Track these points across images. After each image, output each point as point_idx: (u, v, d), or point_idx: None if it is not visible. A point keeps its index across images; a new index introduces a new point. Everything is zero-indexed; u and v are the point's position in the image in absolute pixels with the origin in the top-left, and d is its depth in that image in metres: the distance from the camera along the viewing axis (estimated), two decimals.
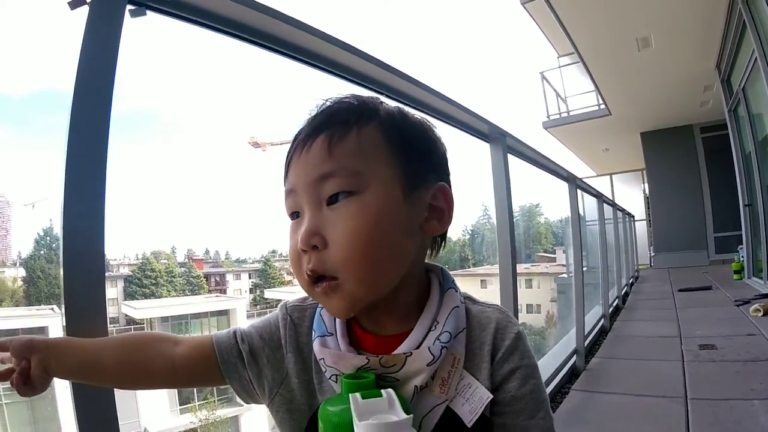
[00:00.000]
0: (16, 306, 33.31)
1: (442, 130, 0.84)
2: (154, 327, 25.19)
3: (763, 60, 5.44)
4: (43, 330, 18.23)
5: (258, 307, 43.49)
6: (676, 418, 2.65)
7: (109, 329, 0.91)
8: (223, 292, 48.63)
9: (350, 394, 0.63)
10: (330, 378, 0.72)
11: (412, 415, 0.60)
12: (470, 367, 0.74)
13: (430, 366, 0.69)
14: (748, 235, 7.84)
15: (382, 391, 0.64)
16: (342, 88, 0.84)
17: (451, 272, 0.83)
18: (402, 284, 0.74)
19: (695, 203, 11.57)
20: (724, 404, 2.75)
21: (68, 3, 0.91)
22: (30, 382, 0.74)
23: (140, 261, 50.42)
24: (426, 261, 0.83)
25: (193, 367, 0.81)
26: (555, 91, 11.55)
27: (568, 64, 11.03)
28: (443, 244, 0.84)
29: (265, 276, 53.86)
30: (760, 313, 4.77)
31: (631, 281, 9.09)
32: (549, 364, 3.49)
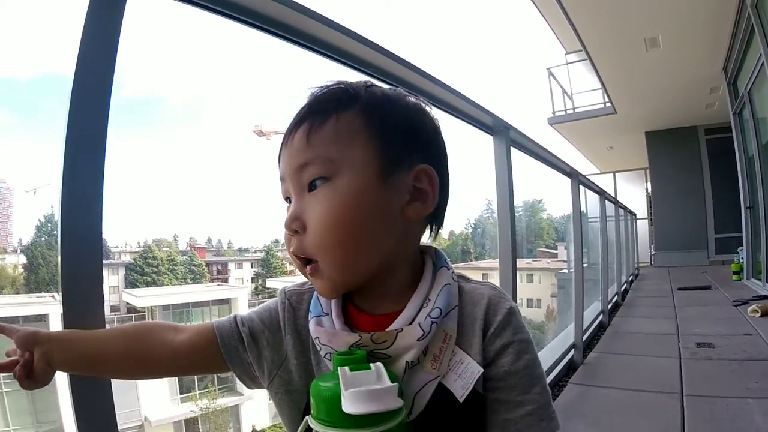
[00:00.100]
0: (17, 293, 33.33)
1: (446, 121, 0.84)
2: (155, 315, 25.20)
3: None
4: (43, 318, 18.28)
5: (260, 296, 43.45)
6: (672, 414, 2.67)
7: (109, 317, 0.91)
8: (225, 281, 48.58)
9: (339, 368, 0.64)
10: (325, 357, 0.74)
11: (397, 384, 0.62)
12: (462, 343, 0.74)
13: (420, 341, 0.70)
14: (748, 237, 7.86)
15: (371, 364, 0.65)
16: (346, 76, 0.85)
17: (452, 265, 0.83)
18: (393, 266, 0.76)
19: (697, 204, 11.58)
20: (720, 401, 2.78)
21: None
22: (33, 375, 0.76)
23: (142, 249, 50.36)
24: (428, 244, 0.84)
25: (195, 354, 0.84)
26: (561, 87, 11.51)
27: (576, 61, 11.00)
28: (438, 226, 0.84)
29: (267, 265, 53.81)
30: (758, 314, 4.79)
31: (631, 278, 9.10)
32: (547, 358, 3.51)
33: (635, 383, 3.26)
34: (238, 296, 26.88)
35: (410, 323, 0.72)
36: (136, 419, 21.48)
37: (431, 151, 0.79)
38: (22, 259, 38.16)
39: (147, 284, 41.82)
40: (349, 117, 0.73)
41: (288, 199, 0.77)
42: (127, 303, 32.15)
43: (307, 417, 0.65)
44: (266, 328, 0.83)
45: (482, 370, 0.72)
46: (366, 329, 0.74)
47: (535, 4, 9.96)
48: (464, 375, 0.71)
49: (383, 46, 1.58)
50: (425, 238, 0.84)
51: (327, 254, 0.72)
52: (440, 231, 0.85)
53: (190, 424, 23.40)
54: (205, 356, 0.83)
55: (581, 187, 4.74)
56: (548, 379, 3.28)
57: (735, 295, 6.25)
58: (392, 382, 0.64)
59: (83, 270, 0.88)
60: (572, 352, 3.92)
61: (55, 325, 17.66)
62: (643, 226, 13.92)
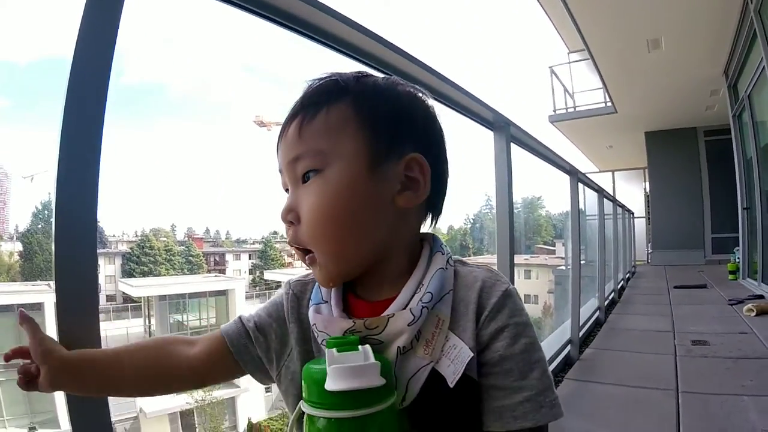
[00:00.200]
0: (12, 281, 33.24)
1: (445, 115, 0.84)
2: (152, 306, 25.16)
3: None
4: (38, 306, 18.23)
5: (257, 288, 43.48)
6: (667, 410, 2.69)
7: (105, 306, 0.91)
8: (223, 272, 48.53)
9: (327, 349, 0.65)
10: (322, 343, 0.75)
11: (379, 363, 0.62)
12: (456, 328, 0.73)
13: (410, 326, 0.70)
14: (745, 238, 7.92)
15: (360, 346, 0.66)
16: (345, 66, 0.86)
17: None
18: (389, 254, 0.77)
19: (695, 204, 11.63)
20: (715, 399, 2.80)
21: None
22: (33, 387, 0.78)
23: (139, 238, 50.23)
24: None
25: (210, 362, 0.85)
26: (563, 86, 11.54)
27: (578, 61, 11.04)
28: (436, 214, 0.85)
29: (265, 257, 53.75)
30: (753, 313, 4.83)
31: (627, 276, 9.14)
32: (544, 353, 3.53)
33: (631, 379, 3.29)
34: (236, 287, 26.80)
35: (404, 309, 0.72)
36: (131, 411, 21.46)
37: (424, 140, 0.79)
38: (19, 247, 38.02)
39: (144, 274, 41.73)
40: (339, 109, 0.75)
41: (287, 190, 0.79)
42: (123, 293, 32.08)
43: (300, 401, 0.66)
44: (274, 321, 0.85)
45: (472, 354, 0.70)
46: (363, 316, 0.74)
47: (540, 3, 9.97)
48: (457, 360, 0.70)
49: (381, 35, 1.58)
50: (425, 227, 0.85)
51: (320, 244, 0.74)
52: (438, 219, 0.86)
53: (186, 416, 23.38)
54: (219, 363, 0.85)
55: (580, 185, 4.77)
56: None
57: (731, 294, 6.29)
58: (387, 367, 0.66)
59: (77, 258, 0.88)
60: (569, 347, 3.95)
61: (50, 314, 17.65)
62: (640, 225, 13.95)
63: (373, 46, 1.60)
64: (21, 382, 0.78)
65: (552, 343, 3.90)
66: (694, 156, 11.77)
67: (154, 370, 0.85)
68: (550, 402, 0.71)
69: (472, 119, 2.41)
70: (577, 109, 11.53)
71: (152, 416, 21.97)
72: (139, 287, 27.27)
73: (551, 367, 3.48)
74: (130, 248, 47.68)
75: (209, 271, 46.59)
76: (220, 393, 23.89)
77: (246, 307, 26.55)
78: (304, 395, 0.66)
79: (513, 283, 0.78)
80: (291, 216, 0.75)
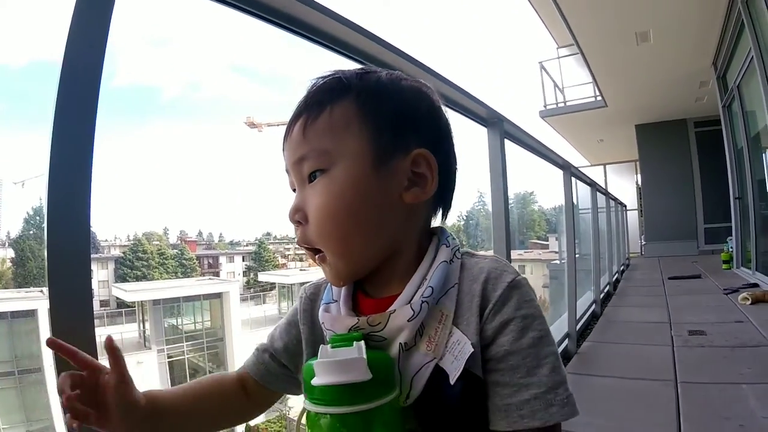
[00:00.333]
0: (5, 288, 33.04)
1: None
2: (146, 310, 25.03)
3: (759, 59, 5.52)
4: (32, 313, 18.11)
5: (252, 290, 43.43)
6: (667, 401, 2.70)
7: (99, 312, 0.89)
8: (217, 274, 48.50)
9: (321, 345, 0.66)
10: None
11: (364, 358, 0.62)
12: (460, 323, 0.71)
13: (410, 322, 0.69)
14: (737, 227, 7.97)
15: (354, 342, 0.65)
16: (339, 64, 0.86)
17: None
18: (398, 251, 0.76)
19: (686, 195, 11.69)
20: (714, 387, 2.82)
21: None
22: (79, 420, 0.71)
23: (132, 242, 50.24)
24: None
25: (252, 396, 0.90)
26: (553, 81, 11.58)
27: (567, 56, 11.06)
28: (446, 208, 0.84)
29: (259, 259, 53.82)
30: (749, 302, 4.85)
31: (622, 269, 9.18)
32: None
33: (629, 371, 3.30)
34: (230, 290, 26.66)
35: (406, 305, 0.71)
36: None
37: (429, 135, 0.78)
38: (11, 253, 37.82)
39: (137, 278, 41.67)
40: (342, 107, 0.74)
41: (295, 190, 0.78)
42: (117, 297, 31.90)
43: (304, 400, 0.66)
44: (293, 327, 0.87)
45: (472, 350, 0.68)
46: (369, 313, 0.74)
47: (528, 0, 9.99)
48: (460, 356, 0.68)
49: (374, 32, 1.57)
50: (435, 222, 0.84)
51: (328, 244, 0.73)
52: (448, 213, 0.84)
53: None
54: (261, 394, 0.90)
55: (573, 179, 4.78)
56: None
57: (725, 283, 6.32)
58: (385, 362, 0.66)
59: (70, 264, 0.87)
60: (566, 341, 3.95)
61: (43, 321, 17.54)
62: (633, 217, 14.03)
63: (366, 43, 1.60)
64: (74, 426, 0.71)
65: None
66: (684, 147, 11.83)
67: (212, 413, 0.87)
68: (561, 400, 0.66)
69: (466, 116, 2.42)
70: (568, 103, 11.59)
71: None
72: (133, 292, 27.11)
73: None
74: (123, 253, 47.65)
75: (203, 274, 46.53)
76: None
77: (240, 310, 26.53)
78: (305, 393, 0.66)
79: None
80: (298, 216, 0.74)
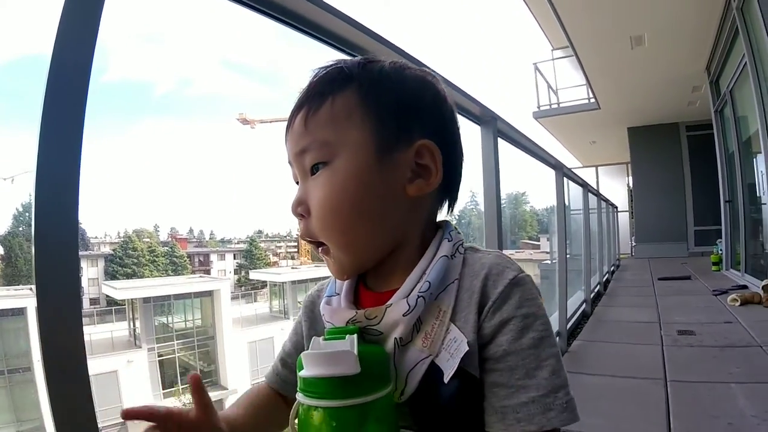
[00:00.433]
0: None
1: None
2: (136, 308, 24.91)
3: (752, 64, 5.56)
4: (21, 311, 18.00)
5: (243, 288, 43.35)
6: (656, 399, 2.72)
7: (89, 310, 0.88)
8: (207, 272, 48.42)
9: (314, 337, 0.65)
10: None
11: (354, 351, 0.60)
12: (458, 320, 0.68)
13: (406, 317, 0.67)
14: (727, 230, 8.03)
15: (347, 335, 0.64)
16: (327, 55, 0.84)
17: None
18: (402, 244, 0.75)
19: (677, 197, 11.76)
20: (703, 387, 2.84)
21: None
22: None
23: (122, 239, 50.02)
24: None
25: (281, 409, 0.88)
26: (547, 82, 11.63)
27: (561, 57, 11.14)
28: (452, 201, 0.82)
29: (250, 257, 53.71)
30: (738, 303, 4.90)
31: (612, 269, 9.22)
32: None
33: (619, 370, 3.31)
34: (221, 288, 26.56)
35: (404, 299, 0.69)
36: (117, 416, 21.27)
37: (434, 125, 0.76)
38: (0, 250, 37.53)
39: (127, 276, 41.46)
40: (344, 98, 0.72)
41: (298, 182, 0.77)
42: (107, 295, 31.74)
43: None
44: (298, 326, 0.88)
45: (468, 348, 0.65)
46: (369, 306, 0.72)
47: (524, 1, 10.01)
48: (456, 355, 0.66)
49: (369, 27, 1.57)
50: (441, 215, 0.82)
51: (331, 237, 0.72)
52: (454, 206, 0.83)
53: None
54: (282, 405, 0.88)
55: (565, 180, 4.80)
56: None
57: (715, 284, 6.38)
58: (380, 357, 0.65)
59: (58, 261, 0.85)
60: (557, 340, 3.97)
61: (32, 319, 17.40)
62: (624, 219, 14.11)
63: (361, 38, 1.59)
64: None
65: None
66: (676, 151, 11.90)
67: (269, 426, 0.88)
68: (560, 404, 0.63)
69: (459, 113, 2.40)
70: (561, 105, 11.63)
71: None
72: (123, 289, 26.94)
73: None
74: (113, 250, 47.45)
75: (194, 272, 46.41)
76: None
77: (231, 308, 26.44)
78: (299, 384, 0.65)
79: None
80: (301, 209, 0.74)
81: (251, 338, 26.33)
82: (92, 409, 0.88)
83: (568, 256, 4.83)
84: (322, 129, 0.71)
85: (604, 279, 7.62)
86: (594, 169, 16.69)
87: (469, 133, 2.57)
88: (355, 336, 0.63)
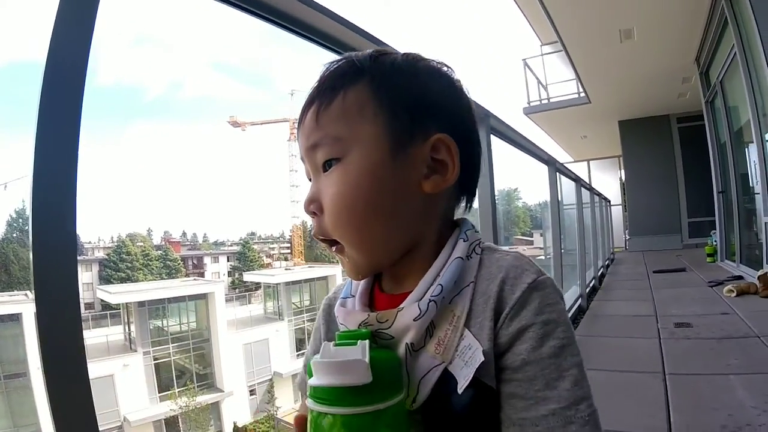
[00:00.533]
0: None
1: None
2: (131, 312, 24.89)
3: (741, 55, 5.59)
4: (16, 317, 17.96)
5: (237, 290, 43.33)
6: (655, 393, 2.71)
7: (83, 315, 0.87)
8: (201, 275, 48.39)
9: (324, 343, 0.61)
10: None
11: (366, 359, 0.57)
12: (473, 326, 0.65)
13: (416, 321, 0.64)
14: (721, 220, 8.07)
15: (358, 341, 0.60)
16: (322, 59, 0.82)
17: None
18: (419, 243, 0.72)
19: (670, 189, 11.81)
20: (702, 379, 2.84)
21: None
22: None
23: (115, 244, 49.97)
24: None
25: None
26: (537, 78, 11.64)
27: (551, 53, 11.15)
28: (470, 197, 0.79)
29: (243, 259, 53.70)
30: (734, 294, 4.91)
31: (607, 263, 9.24)
32: None
33: (617, 364, 3.31)
34: (215, 290, 26.57)
35: (416, 303, 0.66)
36: (115, 420, 21.27)
37: (450, 119, 0.72)
38: None
39: (122, 280, 41.37)
40: (355, 92, 0.70)
41: (311, 179, 0.74)
42: (102, 300, 31.68)
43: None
44: (318, 331, 0.85)
45: (483, 358, 0.62)
46: (382, 308, 0.70)
47: None
48: (470, 363, 0.62)
49: (357, 25, 1.56)
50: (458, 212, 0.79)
51: (344, 235, 0.70)
52: (472, 202, 0.80)
53: (171, 423, 23.25)
54: None
55: (558, 175, 4.80)
56: None
57: (710, 276, 6.39)
58: (392, 363, 0.63)
59: (57, 267, 0.85)
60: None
61: (27, 324, 17.40)
62: (617, 212, 14.15)
63: (349, 35, 1.58)
64: None
65: None
66: (667, 143, 11.96)
67: None
68: (582, 417, 0.60)
69: None
70: (552, 100, 11.65)
71: (137, 424, 21.82)
72: (118, 294, 26.87)
73: None
74: (107, 254, 47.39)
75: (188, 275, 46.32)
76: (204, 398, 23.79)
77: (226, 311, 26.47)
78: (308, 390, 0.61)
79: None
80: (314, 207, 0.71)
81: (246, 340, 26.36)
82: (93, 413, 0.88)
83: (562, 251, 4.83)
84: (333, 124, 0.69)
85: (599, 273, 7.64)
86: (586, 163, 16.74)
87: None
88: (367, 342, 0.60)
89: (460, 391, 0.62)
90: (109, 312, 29.59)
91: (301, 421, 0.65)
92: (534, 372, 0.61)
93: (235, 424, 24.05)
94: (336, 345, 0.61)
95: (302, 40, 1.52)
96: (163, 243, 56.07)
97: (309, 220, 0.76)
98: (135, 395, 22.37)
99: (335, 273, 31.35)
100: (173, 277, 43.48)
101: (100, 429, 0.89)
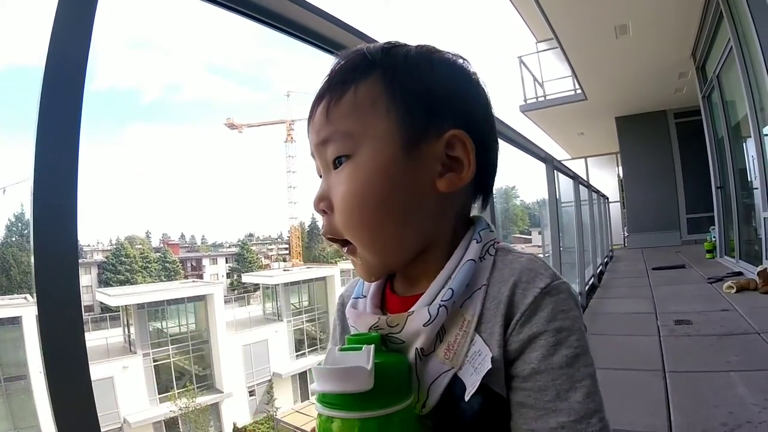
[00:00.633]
0: None
1: None
2: (131, 314, 24.93)
3: (738, 48, 5.58)
4: (17, 320, 17.97)
5: (235, 291, 43.40)
6: (656, 390, 2.70)
7: (83, 318, 0.87)
8: (200, 277, 48.52)
9: (329, 347, 0.62)
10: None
11: (369, 366, 0.56)
12: (483, 331, 0.63)
13: (426, 326, 0.63)
14: (720, 216, 8.05)
15: (363, 346, 0.59)
16: (316, 60, 0.79)
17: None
18: (433, 244, 0.70)
19: (668, 186, 11.79)
20: (702, 376, 2.82)
21: None
22: None
23: (114, 246, 50.11)
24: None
25: None
26: (532, 75, 11.63)
27: (546, 50, 11.14)
28: (487, 195, 0.78)
29: (242, 260, 53.81)
30: (733, 290, 4.89)
31: (606, 260, 9.22)
32: None
33: (617, 362, 3.29)
34: (214, 292, 26.62)
35: (426, 307, 0.65)
36: (114, 422, 21.29)
37: (466, 114, 0.70)
38: None
39: (121, 283, 41.45)
40: (367, 86, 0.67)
41: (321, 176, 0.73)
42: (101, 303, 31.74)
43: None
44: (336, 330, 0.84)
45: (491, 366, 0.60)
46: (394, 311, 0.69)
47: None
48: (480, 369, 0.61)
49: (350, 24, 1.54)
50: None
51: (356, 235, 0.68)
52: (489, 200, 0.79)
53: (171, 424, 23.27)
54: None
55: (555, 172, 4.79)
56: None
57: (709, 272, 6.37)
58: (400, 368, 0.62)
59: (58, 270, 0.83)
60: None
61: (27, 327, 17.42)
62: (615, 209, 14.15)
63: (342, 35, 1.55)
64: None
65: None
66: (665, 138, 11.93)
67: None
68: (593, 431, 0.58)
69: None
70: (548, 97, 11.63)
71: (137, 426, 21.83)
72: (117, 296, 26.91)
73: None
74: (106, 257, 47.48)
75: (186, 277, 46.43)
76: (203, 399, 23.82)
77: (225, 312, 26.54)
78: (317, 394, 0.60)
79: None
80: (323, 205, 0.69)
81: (245, 341, 26.39)
82: (95, 415, 0.87)
83: (561, 249, 4.82)
84: (344, 119, 0.67)
85: (598, 271, 7.62)
86: (583, 160, 16.74)
87: None
88: (372, 347, 0.59)
89: (467, 398, 0.60)
90: (108, 314, 29.66)
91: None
92: (544, 382, 0.59)
93: (234, 425, 24.08)
94: (342, 350, 0.60)
95: (298, 42, 1.50)
96: (162, 245, 56.21)
97: (307, 221, 0.74)
98: (135, 397, 22.40)
99: (333, 273, 31.43)
100: (172, 279, 43.64)
101: (101, 431, 0.88)
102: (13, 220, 38.91)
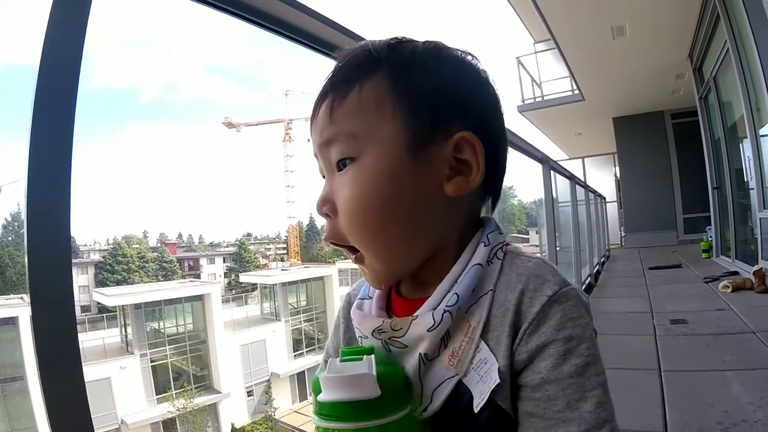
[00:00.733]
0: None
1: None
2: (128, 314, 24.87)
3: (734, 50, 5.59)
4: (12, 321, 17.92)
5: (233, 291, 43.33)
6: (652, 390, 2.70)
7: (80, 317, 0.87)
8: (198, 276, 48.41)
9: (329, 359, 0.62)
10: (359, 339, 0.71)
11: (374, 374, 0.56)
12: (490, 339, 0.61)
13: (430, 332, 0.61)
14: (716, 216, 8.07)
15: (364, 356, 0.59)
16: (311, 61, 0.79)
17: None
18: (442, 248, 0.68)
19: (665, 186, 11.79)
20: (697, 375, 2.83)
21: None
22: None
23: (111, 246, 49.97)
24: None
25: None
26: (530, 76, 11.63)
27: (544, 50, 11.15)
28: (496, 197, 0.76)
29: (239, 260, 53.74)
30: (729, 290, 4.90)
31: (602, 260, 9.23)
32: None
33: (613, 361, 3.28)
34: (211, 292, 26.56)
35: (430, 312, 0.63)
36: (112, 422, 21.25)
37: (475, 114, 0.67)
38: None
39: (118, 283, 41.34)
40: (372, 85, 0.65)
41: (325, 177, 0.71)
42: (98, 303, 31.69)
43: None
44: (338, 329, 0.83)
45: (498, 380, 0.59)
46: (399, 314, 0.68)
47: None
48: (486, 379, 0.60)
49: (344, 26, 1.54)
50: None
51: (361, 240, 0.66)
52: (498, 202, 0.76)
53: (168, 425, 23.24)
54: None
55: (552, 173, 4.80)
56: None
57: (705, 272, 6.39)
58: (396, 378, 0.61)
59: (51, 270, 0.83)
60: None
61: (23, 328, 17.39)
62: (612, 209, 14.15)
63: (335, 36, 1.54)
64: None
65: None
66: (662, 139, 11.94)
67: None
68: None
69: None
70: (545, 98, 11.62)
71: (134, 427, 21.80)
72: (114, 296, 26.86)
73: None
74: (103, 257, 47.37)
75: (184, 277, 46.33)
76: (201, 399, 23.78)
77: (222, 312, 26.50)
78: (314, 407, 0.60)
79: None
80: (327, 208, 0.67)
81: (243, 341, 26.35)
82: (88, 415, 0.86)
83: (558, 248, 4.83)
84: (349, 120, 0.65)
85: (595, 270, 7.63)
86: (581, 160, 16.73)
87: None
88: (373, 357, 0.59)
89: (476, 410, 0.59)
90: (105, 314, 29.58)
91: None
92: (554, 391, 0.57)
93: (232, 425, 24.05)
94: (342, 361, 0.60)
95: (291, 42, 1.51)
96: (159, 245, 56.11)
97: (306, 221, 0.74)
98: (132, 397, 22.36)
99: (331, 273, 31.39)
100: (169, 279, 43.59)
101: (96, 431, 0.88)
102: (10, 219, 38.83)
